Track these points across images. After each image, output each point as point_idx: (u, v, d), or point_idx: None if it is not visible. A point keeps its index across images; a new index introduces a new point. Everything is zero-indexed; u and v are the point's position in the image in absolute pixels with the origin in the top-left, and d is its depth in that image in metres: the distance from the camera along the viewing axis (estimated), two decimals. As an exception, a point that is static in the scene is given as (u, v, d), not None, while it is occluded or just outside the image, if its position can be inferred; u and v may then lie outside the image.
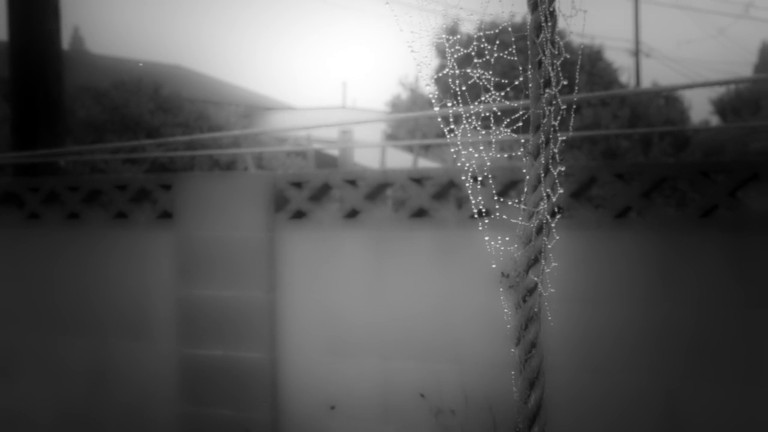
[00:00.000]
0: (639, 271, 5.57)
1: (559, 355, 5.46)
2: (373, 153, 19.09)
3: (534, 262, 1.42)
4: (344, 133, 13.27)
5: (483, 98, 1.40)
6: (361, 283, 6.28)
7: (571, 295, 5.53)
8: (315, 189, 6.43)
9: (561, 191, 1.37)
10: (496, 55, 1.38)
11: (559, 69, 1.36)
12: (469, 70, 1.38)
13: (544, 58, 1.32)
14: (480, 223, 1.40)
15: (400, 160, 20.26)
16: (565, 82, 1.39)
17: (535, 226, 1.38)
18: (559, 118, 1.38)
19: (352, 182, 6.36)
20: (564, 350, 5.53)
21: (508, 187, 5.88)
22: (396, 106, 29.32)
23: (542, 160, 1.35)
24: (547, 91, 1.35)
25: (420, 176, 6.21)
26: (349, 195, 6.33)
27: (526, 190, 1.37)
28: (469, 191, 1.45)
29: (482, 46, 1.36)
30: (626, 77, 29.00)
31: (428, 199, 6.08)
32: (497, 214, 1.41)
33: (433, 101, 1.46)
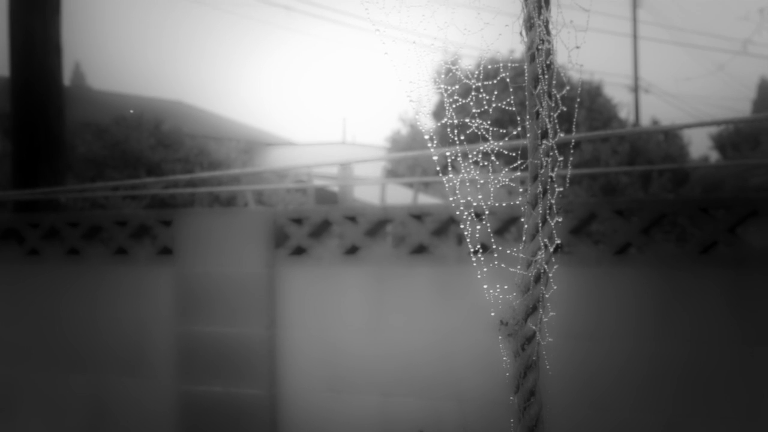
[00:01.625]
0: (639, 307, 5.57)
1: (559, 392, 5.45)
2: (373, 188, 19.13)
3: (532, 310, 1.43)
4: (344, 169, 13.32)
5: (481, 147, 1.42)
6: (361, 320, 6.27)
7: (571, 332, 5.52)
8: (315, 225, 6.44)
9: (558, 242, 1.39)
10: (494, 105, 1.40)
11: (556, 121, 1.38)
12: (467, 120, 1.40)
13: (541, 109, 1.34)
14: (479, 271, 1.41)
15: (400, 195, 20.29)
16: (562, 134, 1.40)
17: (533, 275, 1.39)
18: (555, 169, 1.40)
19: (352, 218, 6.37)
20: (564, 386, 5.52)
21: (508, 223, 5.89)
22: (396, 141, 29.38)
23: (540, 210, 1.37)
24: (544, 142, 1.37)
25: (420, 212, 6.22)
26: (349, 231, 6.34)
27: (524, 238, 1.39)
28: (467, 234, 1.46)
29: (480, 95, 1.38)
30: (625, 113, 29.07)
31: (428, 235, 6.09)
32: (495, 262, 1.43)
33: (432, 150, 1.47)
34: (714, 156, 30.82)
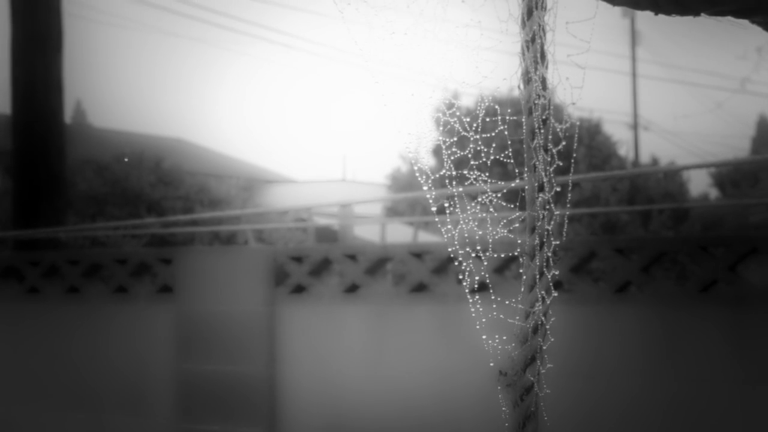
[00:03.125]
0: (639, 346, 5.56)
1: (558, 431, 5.43)
2: (373, 226, 19.12)
3: (531, 361, 1.44)
4: (344, 208, 13.34)
5: (480, 198, 1.44)
6: (362, 359, 6.27)
7: (571, 370, 5.51)
8: (315, 263, 6.45)
9: (555, 294, 1.41)
10: (493, 157, 1.42)
11: (552, 175, 1.40)
12: (465, 172, 1.42)
13: (538, 163, 1.36)
14: (477, 323, 1.43)
15: (400, 233, 20.27)
16: (558, 189, 1.43)
17: (531, 326, 1.41)
18: (552, 223, 1.42)
19: (352, 257, 6.37)
20: (563, 426, 5.50)
21: (509, 261, 5.90)
22: (396, 179, 29.40)
23: (537, 262, 1.39)
24: (540, 195, 1.39)
25: (420, 251, 6.23)
26: (349, 270, 6.35)
27: (522, 289, 1.40)
28: (466, 285, 1.47)
29: (479, 148, 1.40)
30: (625, 150, 29.10)
31: (428, 273, 6.09)
32: (495, 312, 1.44)
33: (431, 202, 1.49)
34: (713, 193, 30.85)
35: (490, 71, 1.36)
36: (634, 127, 33.07)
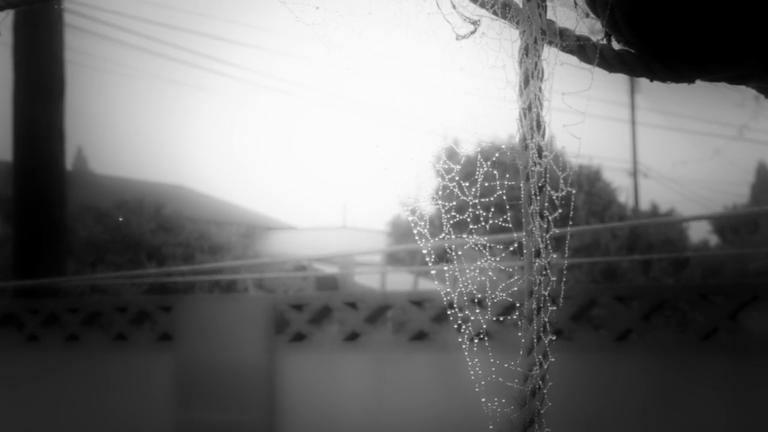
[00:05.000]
0: (640, 394, 5.55)
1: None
2: (373, 273, 19.12)
3: (529, 424, 1.45)
4: (345, 256, 13.38)
5: (479, 262, 1.46)
6: (362, 407, 6.24)
7: (572, 419, 5.49)
8: (315, 311, 6.45)
9: (552, 359, 1.42)
10: (491, 221, 1.44)
11: (548, 241, 1.42)
12: (464, 236, 1.44)
13: (534, 229, 1.38)
14: (476, 386, 1.44)
15: (400, 280, 20.27)
16: (554, 255, 1.45)
17: (529, 389, 1.42)
18: (549, 288, 1.44)
19: (353, 305, 6.38)
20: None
21: (509, 309, 5.90)
22: (396, 226, 29.43)
23: (535, 326, 1.41)
24: (537, 261, 1.41)
25: (420, 299, 6.23)
26: (350, 317, 6.35)
27: (521, 352, 1.42)
28: (465, 349, 1.48)
29: (478, 212, 1.42)
30: (624, 197, 29.14)
31: (428, 321, 6.09)
32: (494, 376, 1.46)
33: (429, 261, 1.51)
34: (713, 240, 30.87)
35: (488, 137, 1.39)
36: (634, 174, 33.14)
